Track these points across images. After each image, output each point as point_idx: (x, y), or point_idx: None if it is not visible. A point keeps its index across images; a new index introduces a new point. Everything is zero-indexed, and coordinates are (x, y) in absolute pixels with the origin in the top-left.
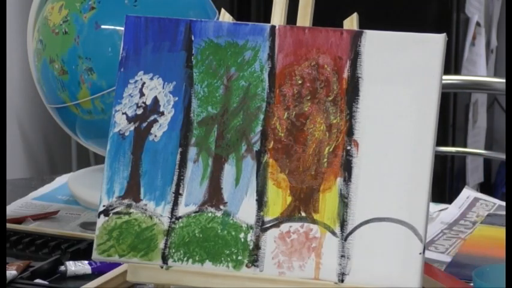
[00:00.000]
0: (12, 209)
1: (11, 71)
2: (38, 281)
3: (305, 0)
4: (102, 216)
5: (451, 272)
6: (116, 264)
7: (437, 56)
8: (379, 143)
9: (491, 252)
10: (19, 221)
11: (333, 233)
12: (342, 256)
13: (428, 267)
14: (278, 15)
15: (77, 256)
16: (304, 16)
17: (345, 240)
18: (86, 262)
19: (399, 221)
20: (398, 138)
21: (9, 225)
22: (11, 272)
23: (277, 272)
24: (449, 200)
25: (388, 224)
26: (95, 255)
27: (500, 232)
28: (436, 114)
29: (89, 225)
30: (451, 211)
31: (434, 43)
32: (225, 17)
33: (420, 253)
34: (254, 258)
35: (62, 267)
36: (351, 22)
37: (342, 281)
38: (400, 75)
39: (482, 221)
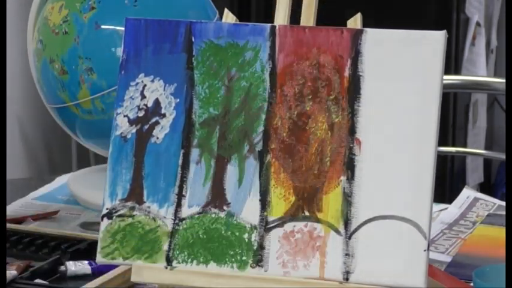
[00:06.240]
0: (12, 209)
1: (11, 71)
2: (38, 281)
3: (308, 0)
4: (105, 219)
5: (451, 272)
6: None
7: (438, 53)
8: (381, 141)
9: (491, 252)
10: (19, 221)
11: (337, 231)
12: (347, 254)
13: (428, 267)
14: (281, 15)
15: (77, 256)
16: (308, 16)
17: (349, 238)
18: (86, 262)
19: (403, 219)
20: (401, 135)
21: (9, 225)
22: (11, 272)
23: (282, 271)
24: (449, 200)
25: (392, 222)
26: (99, 258)
27: (500, 232)
28: (438, 110)
29: (89, 225)
30: (451, 211)
31: (435, 40)
32: (228, 17)
33: (425, 250)
34: (258, 258)
35: (62, 267)
36: (355, 22)
37: (347, 279)
38: (401, 72)
39: (482, 221)
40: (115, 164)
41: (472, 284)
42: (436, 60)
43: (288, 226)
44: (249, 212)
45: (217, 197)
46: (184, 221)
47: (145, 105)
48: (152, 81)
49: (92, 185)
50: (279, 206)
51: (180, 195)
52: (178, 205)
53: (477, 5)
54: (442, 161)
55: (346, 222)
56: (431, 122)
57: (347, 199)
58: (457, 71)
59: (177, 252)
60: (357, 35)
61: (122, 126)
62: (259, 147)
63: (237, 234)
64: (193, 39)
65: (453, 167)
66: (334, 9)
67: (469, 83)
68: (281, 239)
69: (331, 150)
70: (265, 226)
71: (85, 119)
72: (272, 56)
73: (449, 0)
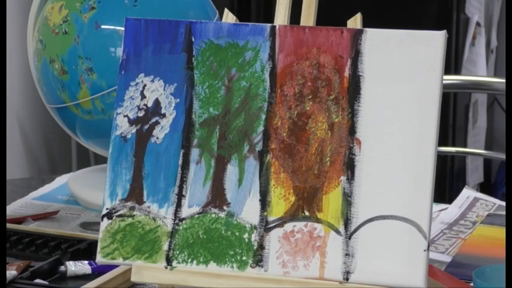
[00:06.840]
0: (12, 209)
1: (11, 71)
2: (38, 281)
3: (308, 0)
4: (105, 219)
5: (451, 272)
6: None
7: (438, 53)
8: (381, 141)
9: (491, 252)
10: (19, 221)
11: (337, 231)
12: (347, 255)
13: (428, 267)
14: (281, 15)
15: (77, 256)
16: (308, 16)
17: (349, 238)
18: (86, 262)
19: (403, 219)
20: (401, 135)
21: (9, 225)
22: (11, 272)
23: (281, 271)
24: (449, 200)
25: (392, 222)
26: (99, 258)
27: (500, 232)
28: (438, 110)
29: (89, 225)
30: (451, 211)
31: (435, 40)
32: (228, 17)
33: (425, 250)
34: (258, 258)
35: (62, 267)
36: (355, 22)
37: (347, 279)
38: (401, 72)
39: (482, 221)
40: (115, 164)
41: (472, 284)
42: (436, 60)
43: (288, 226)
44: (249, 212)
45: (217, 197)
46: (184, 221)
47: (145, 105)
48: (152, 81)
49: (92, 185)
50: (279, 206)
51: (180, 195)
52: (178, 205)
53: (477, 5)
54: (442, 161)
55: (346, 222)
56: (431, 122)
57: (347, 199)
58: (457, 71)
59: (177, 252)
60: (357, 35)
61: (122, 126)
62: (259, 147)
63: (237, 234)
64: (193, 39)
65: (453, 167)
66: (334, 9)
67: (469, 83)
68: (281, 239)
69: (331, 150)
70: (265, 226)
71: (85, 119)
72: (272, 56)
73: (449, 0)
